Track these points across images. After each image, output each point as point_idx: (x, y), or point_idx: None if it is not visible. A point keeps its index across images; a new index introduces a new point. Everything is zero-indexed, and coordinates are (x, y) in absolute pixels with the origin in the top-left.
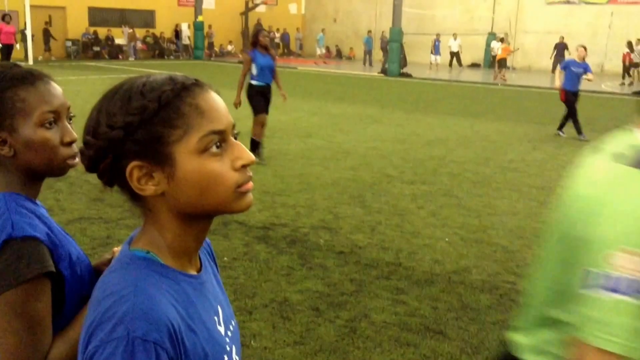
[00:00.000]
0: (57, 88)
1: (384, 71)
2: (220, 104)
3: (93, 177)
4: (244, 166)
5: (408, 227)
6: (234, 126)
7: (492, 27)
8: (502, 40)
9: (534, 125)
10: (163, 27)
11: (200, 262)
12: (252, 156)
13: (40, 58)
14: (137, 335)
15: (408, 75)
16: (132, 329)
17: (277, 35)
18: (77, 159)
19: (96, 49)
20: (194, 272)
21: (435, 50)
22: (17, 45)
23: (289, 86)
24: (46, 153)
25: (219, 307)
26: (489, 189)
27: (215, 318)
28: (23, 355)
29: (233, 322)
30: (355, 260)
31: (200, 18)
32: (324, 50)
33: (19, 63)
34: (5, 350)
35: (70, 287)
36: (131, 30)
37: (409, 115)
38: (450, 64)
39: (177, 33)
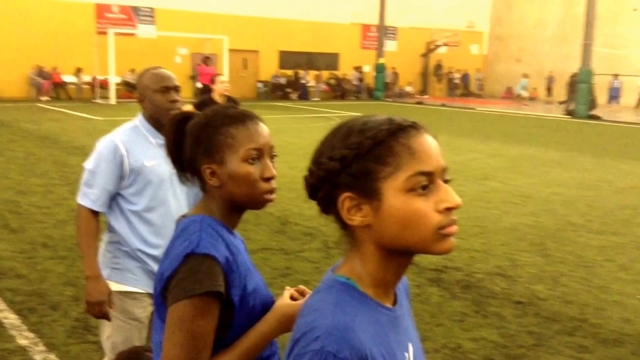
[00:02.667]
0: (264, 128)
1: (569, 112)
2: (433, 146)
3: (277, 210)
4: (449, 209)
5: (595, 280)
6: (445, 169)
7: None
8: None
9: None
10: (345, 69)
11: (395, 297)
12: (457, 200)
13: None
14: (330, 350)
15: (597, 118)
16: (327, 344)
17: (458, 76)
18: (274, 195)
19: (288, 90)
20: (389, 305)
21: (613, 92)
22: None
23: (466, 127)
24: (247, 186)
25: (410, 344)
26: None
27: (406, 354)
28: None
29: None
30: (534, 312)
31: (381, 60)
32: (526, 94)
33: (235, 104)
34: (165, 358)
35: (239, 315)
36: (318, 72)
37: (597, 160)
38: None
39: (360, 76)
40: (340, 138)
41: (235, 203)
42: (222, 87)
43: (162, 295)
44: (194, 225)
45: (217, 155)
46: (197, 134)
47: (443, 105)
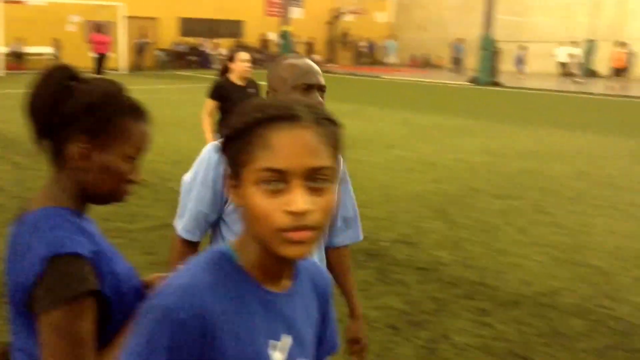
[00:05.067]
0: (150, 131)
1: (473, 80)
2: (299, 144)
3: (176, 185)
4: (292, 213)
5: (495, 244)
6: (314, 170)
7: (591, 34)
8: (621, 45)
9: (637, 138)
10: (250, 37)
11: (294, 287)
12: (302, 206)
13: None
14: (168, 306)
15: (499, 85)
16: (167, 300)
17: (364, 44)
18: (127, 197)
19: (190, 58)
20: (274, 290)
21: (518, 59)
22: (111, 55)
23: (372, 95)
24: (113, 183)
25: (287, 336)
26: (585, 206)
27: (272, 342)
28: None
29: None
30: (436, 277)
31: (286, 27)
32: (395, 60)
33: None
34: None
35: (114, 306)
36: (218, 40)
37: (498, 126)
38: (563, 75)
39: (264, 43)
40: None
41: (87, 192)
42: (242, 67)
43: (24, 304)
44: (47, 222)
45: (101, 140)
46: (91, 106)
47: (351, 74)
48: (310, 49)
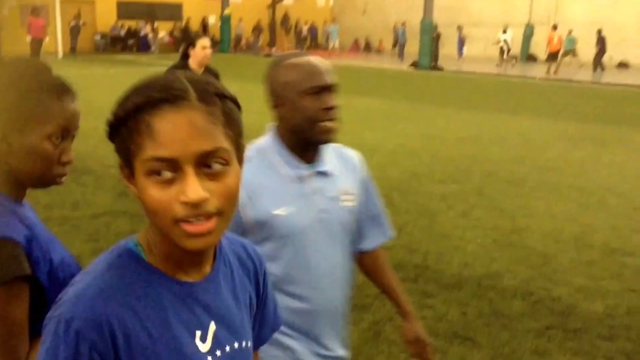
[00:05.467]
0: (77, 108)
1: (414, 65)
2: (185, 128)
3: (118, 172)
4: (185, 203)
5: (437, 228)
6: (207, 154)
7: (529, 18)
8: (555, 28)
9: (575, 122)
10: (193, 20)
11: (213, 272)
12: (196, 195)
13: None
14: (65, 318)
15: (440, 69)
16: (64, 311)
17: (306, 28)
18: (65, 178)
19: (131, 41)
20: (188, 279)
21: (459, 43)
22: (47, 39)
23: None
24: (42, 166)
25: (211, 323)
26: (525, 190)
27: (198, 332)
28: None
29: (235, 345)
30: None
31: (227, 11)
32: (337, 45)
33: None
34: None
35: (50, 293)
36: (155, 24)
37: (439, 110)
38: (502, 58)
39: (204, 27)
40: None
41: (19, 176)
42: (202, 54)
43: None
44: None
45: (17, 122)
46: (1, 89)
47: None
48: (257, 34)
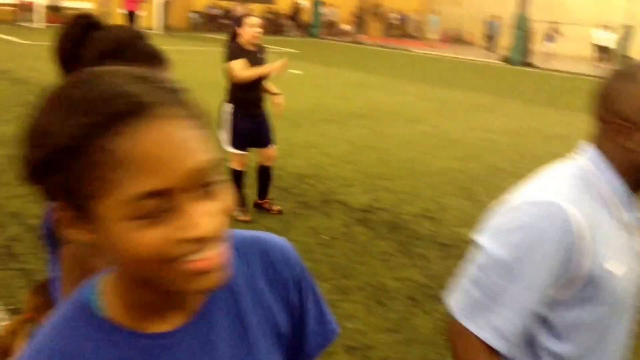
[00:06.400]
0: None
1: (504, 59)
2: (173, 143)
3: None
4: (194, 240)
5: None
6: (200, 172)
7: (626, 19)
8: None
9: None
10: (282, 3)
11: (200, 312)
12: (209, 228)
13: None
14: None
15: (531, 65)
16: None
17: (396, 16)
18: None
19: (224, 21)
20: (159, 330)
21: (549, 38)
22: (142, 12)
23: (401, 69)
24: None
25: None
26: None
27: None
28: None
29: None
30: (458, 254)
31: None
32: (436, 35)
33: (142, 33)
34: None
35: None
36: (249, 5)
37: (526, 107)
38: (599, 60)
39: (296, 10)
40: (50, 120)
41: None
42: (251, 33)
43: (51, 234)
44: None
45: None
46: (105, 54)
47: (380, 45)
48: (353, 20)
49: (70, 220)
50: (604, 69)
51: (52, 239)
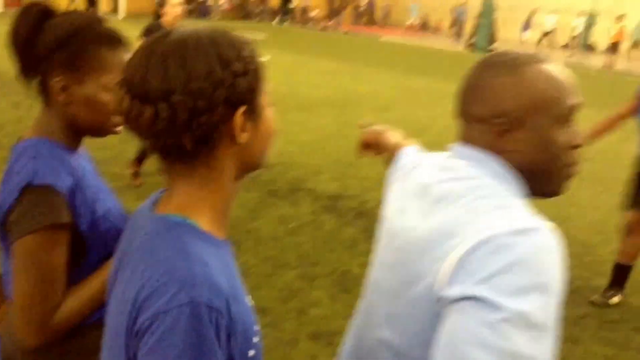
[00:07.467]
0: None
1: (471, 46)
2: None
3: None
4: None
5: None
6: None
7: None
8: (620, 19)
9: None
10: None
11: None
12: None
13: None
14: (202, 301)
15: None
16: (195, 294)
17: (364, 2)
18: (120, 128)
19: (190, 6)
20: (223, 237)
21: (526, 26)
22: None
23: (369, 56)
24: (99, 115)
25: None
26: (572, 180)
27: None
28: (35, 302)
29: None
30: None
31: None
32: (416, 21)
33: (101, 17)
34: (18, 295)
35: (91, 243)
36: None
37: None
38: (538, 43)
39: None
40: (227, 51)
41: (78, 128)
42: (174, 12)
43: (3, 229)
44: (31, 151)
45: (77, 72)
46: (61, 40)
47: (346, 32)
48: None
49: (244, 125)
50: (569, 56)
51: (3, 234)
